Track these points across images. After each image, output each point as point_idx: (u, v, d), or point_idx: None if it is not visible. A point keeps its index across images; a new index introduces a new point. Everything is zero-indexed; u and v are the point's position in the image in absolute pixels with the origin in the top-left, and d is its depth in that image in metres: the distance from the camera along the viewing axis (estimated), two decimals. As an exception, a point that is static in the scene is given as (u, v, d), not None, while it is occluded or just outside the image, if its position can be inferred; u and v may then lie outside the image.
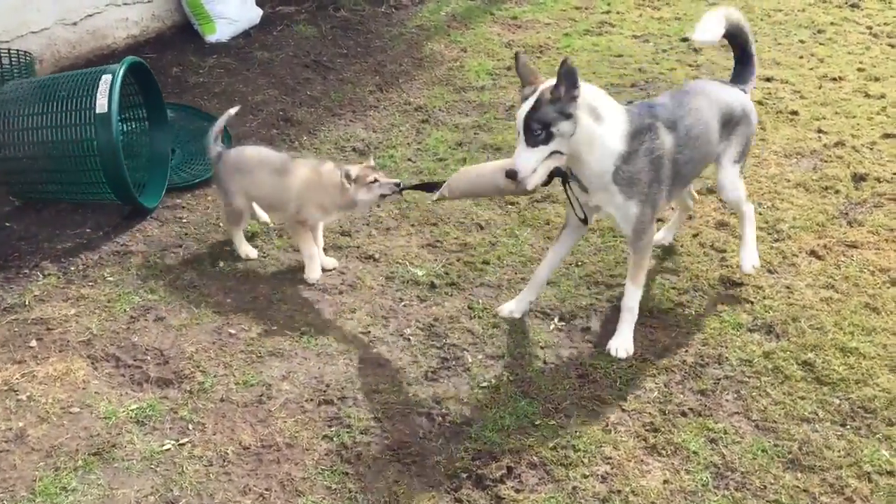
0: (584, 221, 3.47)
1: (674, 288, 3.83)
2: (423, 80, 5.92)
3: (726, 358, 3.42)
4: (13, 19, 5.22)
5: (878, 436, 3.04)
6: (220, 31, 6.18)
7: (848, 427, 3.08)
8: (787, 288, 3.82)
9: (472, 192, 3.58)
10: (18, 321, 3.52)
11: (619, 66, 6.12)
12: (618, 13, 7.21)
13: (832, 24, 6.95)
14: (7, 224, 4.20)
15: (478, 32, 6.74)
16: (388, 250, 4.10)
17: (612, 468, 2.91)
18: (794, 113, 5.40)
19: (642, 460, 2.95)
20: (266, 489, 2.80)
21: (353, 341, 3.49)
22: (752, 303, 3.72)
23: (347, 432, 3.03)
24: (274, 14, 6.77)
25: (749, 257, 3.82)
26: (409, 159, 4.88)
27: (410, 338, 3.53)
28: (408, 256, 4.05)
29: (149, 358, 3.35)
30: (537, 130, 3.01)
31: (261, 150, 4.06)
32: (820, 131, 5.18)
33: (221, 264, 3.95)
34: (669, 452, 2.98)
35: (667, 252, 4.06)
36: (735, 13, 3.67)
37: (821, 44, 6.56)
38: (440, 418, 3.11)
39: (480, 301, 3.74)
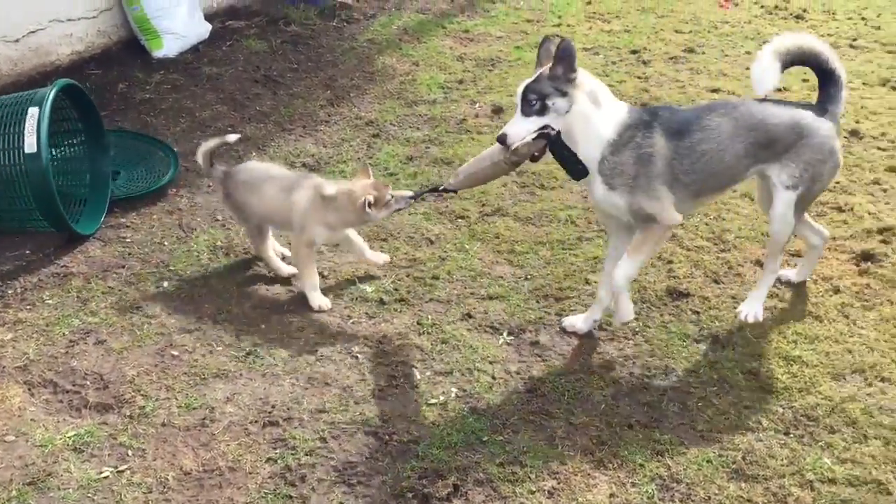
0: (584, 172, 3.30)
1: (622, 300, 3.85)
2: (375, 94, 5.91)
3: (673, 369, 3.44)
4: (-49, 37, 5.11)
5: (820, 444, 3.07)
6: (168, 47, 6.10)
7: (791, 435, 3.11)
8: (733, 298, 3.86)
9: (473, 178, 3.58)
10: (-48, 347, 3.43)
11: (570, 78, 6.16)
12: (568, 26, 7.27)
13: (778, 35, 7.06)
14: (-57, 247, 4.09)
15: (430, 46, 6.75)
16: (337, 267, 4.06)
17: (558, 483, 2.90)
18: (741, 123, 5.48)
19: (589, 474, 2.94)
20: (207, 515, 2.74)
21: (299, 360, 3.45)
22: (698, 313, 3.75)
23: (292, 454, 2.98)
24: (223, 29, 6.71)
25: (748, 307, 3.70)
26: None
27: (358, 355, 3.49)
28: (357, 273, 4.02)
29: (88, 383, 3.27)
30: (533, 101, 3.14)
31: (270, 166, 4.08)
32: (765, 141, 5.26)
33: (165, 284, 3.88)
34: (616, 465, 2.98)
35: (615, 264, 4.08)
36: (785, 41, 3.47)
37: (766, 55, 6.67)
38: (387, 437, 3.08)
39: (430, 317, 3.72)
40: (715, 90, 5.94)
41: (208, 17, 6.59)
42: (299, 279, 3.86)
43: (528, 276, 4.01)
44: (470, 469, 2.94)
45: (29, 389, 3.23)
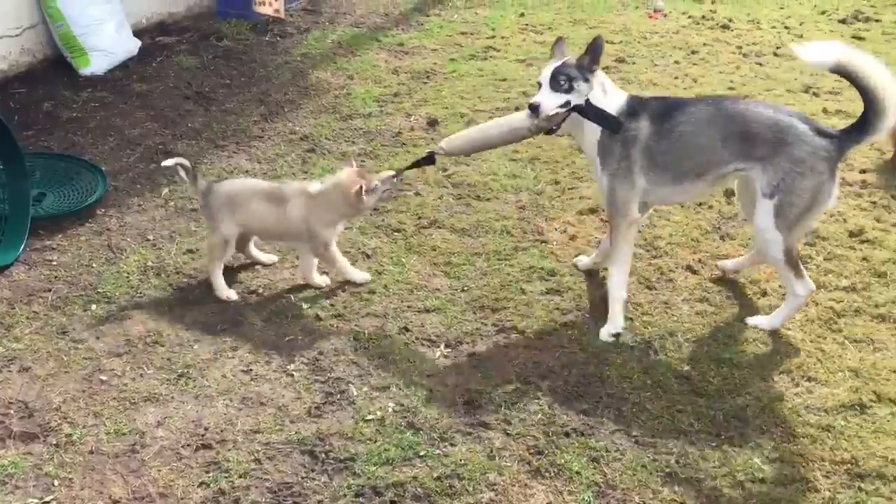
0: (620, 123, 3.63)
1: (557, 308, 3.88)
2: (310, 108, 5.87)
3: (608, 376, 3.48)
4: None
5: (750, 444, 3.14)
6: (96, 64, 5.97)
7: (722, 437, 3.17)
8: (665, 303, 3.93)
9: (477, 144, 3.95)
10: None
11: (504, 89, 6.22)
12: (502, 38, 7.34)
13: (705, 44, 7.26)
14: None
15: (364, 59, 6.75)
16: (272, 284, 4.01)
17: (496, 494, 2.91)
18: (671, 132, 5.59)
19: (526, 484, 2.96)
20: (138, 544, 2.67)
21: (233, 381, 3.39)
22: (631, 319, 3.81)
23: (226, 477, 2.93)
24: (153, 45, 6.60)
25: (770, 320, 3.75)
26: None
27: (294, 373, 3.45)
28: (293, 290, 3.97)
29: (11, 412, 3.16)
30: (563, 80, 3.59)
31: (249, 181, 4.23)
32: (694, 149, 5.37)
33: (94, 307, 3.78)
34: (553, 474, 3.00)
35: (550, 273, 4.12)
36: (846, 53, 3.40)
37: (694, 64, 6.84)
38: (323, 455, 3.04)
39: (366, 332, 3.70)
40: (645, 99, 6.05)
41: (137, 34, 6.47)
42: (339, 273, 3.98)
43: (465, 288, 4.02)
44: (407, 484, 2.92)
45: (-52, 421, 3.11)
